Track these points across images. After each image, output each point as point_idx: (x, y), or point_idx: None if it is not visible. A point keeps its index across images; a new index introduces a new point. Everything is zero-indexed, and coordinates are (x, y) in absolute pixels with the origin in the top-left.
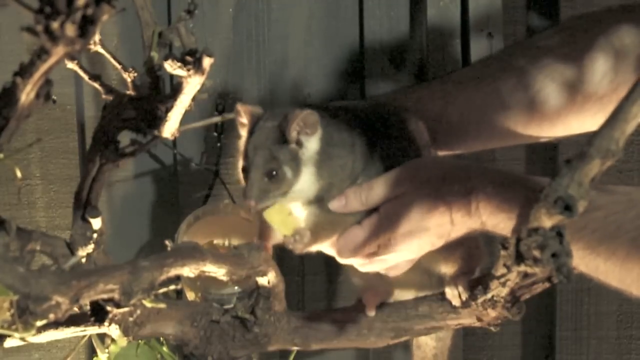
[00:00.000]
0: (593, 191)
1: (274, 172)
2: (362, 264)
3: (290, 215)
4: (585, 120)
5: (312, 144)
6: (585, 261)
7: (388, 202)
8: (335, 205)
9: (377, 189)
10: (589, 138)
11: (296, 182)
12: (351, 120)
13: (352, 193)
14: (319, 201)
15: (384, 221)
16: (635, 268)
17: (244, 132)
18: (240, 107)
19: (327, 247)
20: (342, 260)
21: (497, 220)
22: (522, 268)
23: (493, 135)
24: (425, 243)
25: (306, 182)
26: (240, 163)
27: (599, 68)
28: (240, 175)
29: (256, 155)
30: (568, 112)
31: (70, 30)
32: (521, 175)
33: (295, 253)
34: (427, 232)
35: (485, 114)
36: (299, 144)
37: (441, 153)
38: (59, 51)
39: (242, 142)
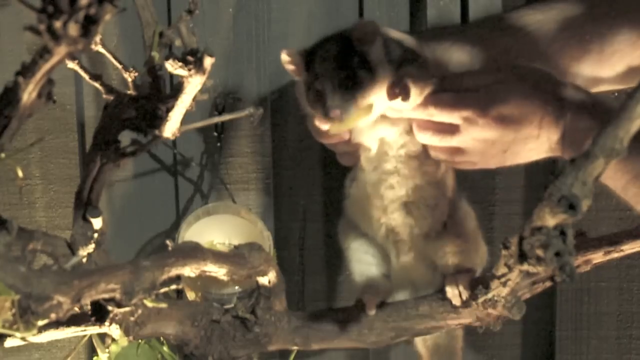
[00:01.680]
0: None
1: (350, 79)
2: (442, 149)
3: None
4: None
5: (377, 48)
6: None
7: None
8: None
9: (480, 73)
10: (593, 137)
11: (374, 83)
12: None
13: (454, 76)
14: None
15: (481, 95)
16: None
17: (297, 76)
18: (285, 52)
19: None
20: (425, 138)
21: (577, 138)
22: (525, 267)
23: None
24: (507, 139)
25: (384, 81)
26: (305, 100)
27: (582, 75)
28: (310, 107)
29: (326, 71)
30: None
31: (73, 29)
32: (612, 102)
33: (406, 100)
34: (515, 125)
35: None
36: (366, 49)
37: None
38: (61, 51)
39: (300, 84)
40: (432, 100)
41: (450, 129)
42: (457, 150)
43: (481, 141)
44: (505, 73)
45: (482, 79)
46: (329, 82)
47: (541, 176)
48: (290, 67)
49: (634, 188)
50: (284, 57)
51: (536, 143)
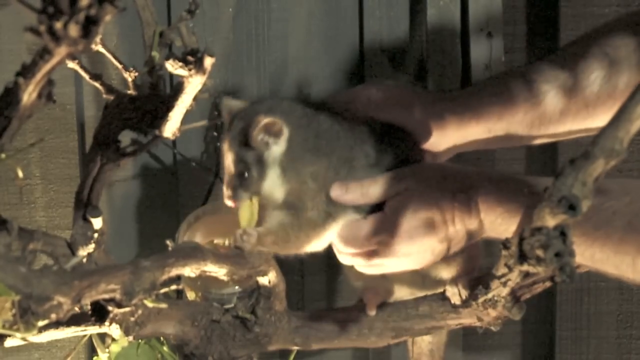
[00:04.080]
0: None
1: (244, 174)
2: (362, 265)
3: (256, 214)
4: (581, 125)
5: (278, 146)
6: (582, 249)
7: (391, 199)
8: (335, 192)
9: (378, 184)
10: (593, 138)
11: (262, 183)
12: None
13: (354, 183)
14: (288, 207)
15: (386, 218)
16: (630, 251)
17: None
18: (224, 101)
19: (329, 240)
20: (343, 260)
21: (495, 216)
22: (525, 267)
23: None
24: (425, 247)
25: (272, 183)
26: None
27: (594, 74)
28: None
29: (227, 157)
30: (566, 117)
31: (74, 30)
32: (517, 175)
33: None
34: (429, 234)
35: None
36: (265, 145)
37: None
38: (61, 51)
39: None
40: (341, 236)
41: (371, 252)
42: (380, 264)
43: (405, 257)
44: (405, 180)
45: (385, 189)
46: (226, 169)
47: (539, 176)
48: (225, 118)
49: (586, 244)
50: (223, 104)
51: (457, 237)
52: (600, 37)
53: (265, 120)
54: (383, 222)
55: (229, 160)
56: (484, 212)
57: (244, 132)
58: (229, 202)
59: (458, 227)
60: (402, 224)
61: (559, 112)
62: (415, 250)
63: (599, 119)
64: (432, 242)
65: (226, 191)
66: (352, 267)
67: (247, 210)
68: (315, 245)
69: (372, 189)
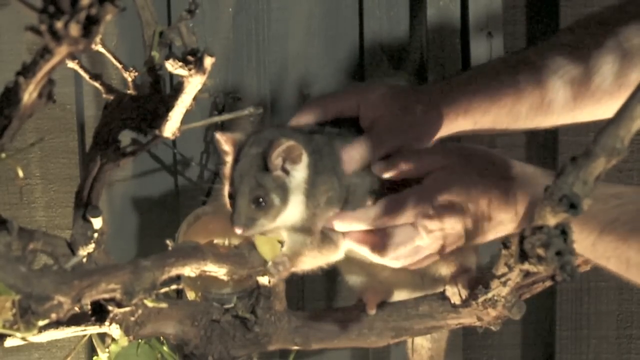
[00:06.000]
0: (629, 188)
1: (261, 200)
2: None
3: (277, 243)
4: (589, 115)
5: (299, 173)
6: (617, 253)
7: (431, 173)
8: (378, 167)
9: (426, 155)
10: (594, 136)
11: (284, 209)
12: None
13: (399, 155)
14: (304, 229)
15: (427, 188)
16: None
17: (228, 159)
18: (220, 135)
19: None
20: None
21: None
22: (526, 266)
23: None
24: (458, 222)
25: (295, 209)
26: (227, 189)
27: (606, 67)
28: (227, 201)
29: (242, 183)
30: (573, 108)
31: (75, 30)
32: None
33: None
34: (462, 212)
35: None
36: (285, 171)
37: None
38: (62, 51)
39: (227, 169)
40: (381, 210)
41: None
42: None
43: (434, 232)
44: (451, 156)
45: (429, 163)
46: (240, 195)
47: None
48: (221, 148)
49: (622, 247)
50: (219, 137)
51: (490, 225)
52: (614, 26)
53: (287, 143)
54: (423, 191)
55: (243, 187)
56: (522, 203)
57: (262, 157)
58: (239, 231)
59: (493, 213)
60: (441, 193)
61: (564, 105)
62: (448, 224)
63: (603, 112)
64: (464, 219)
65: (238, 219)
66: (351, 268)
67: (265, 245)
68: (335, 257)
69: (416, 160)
